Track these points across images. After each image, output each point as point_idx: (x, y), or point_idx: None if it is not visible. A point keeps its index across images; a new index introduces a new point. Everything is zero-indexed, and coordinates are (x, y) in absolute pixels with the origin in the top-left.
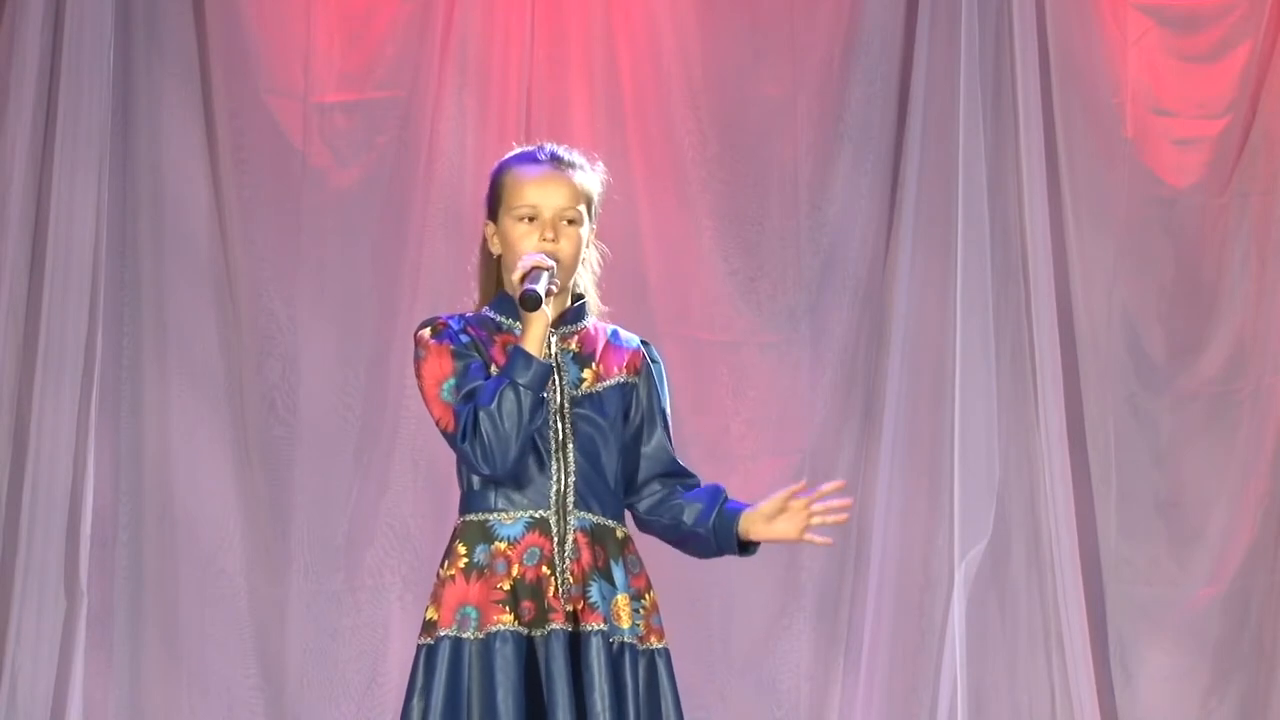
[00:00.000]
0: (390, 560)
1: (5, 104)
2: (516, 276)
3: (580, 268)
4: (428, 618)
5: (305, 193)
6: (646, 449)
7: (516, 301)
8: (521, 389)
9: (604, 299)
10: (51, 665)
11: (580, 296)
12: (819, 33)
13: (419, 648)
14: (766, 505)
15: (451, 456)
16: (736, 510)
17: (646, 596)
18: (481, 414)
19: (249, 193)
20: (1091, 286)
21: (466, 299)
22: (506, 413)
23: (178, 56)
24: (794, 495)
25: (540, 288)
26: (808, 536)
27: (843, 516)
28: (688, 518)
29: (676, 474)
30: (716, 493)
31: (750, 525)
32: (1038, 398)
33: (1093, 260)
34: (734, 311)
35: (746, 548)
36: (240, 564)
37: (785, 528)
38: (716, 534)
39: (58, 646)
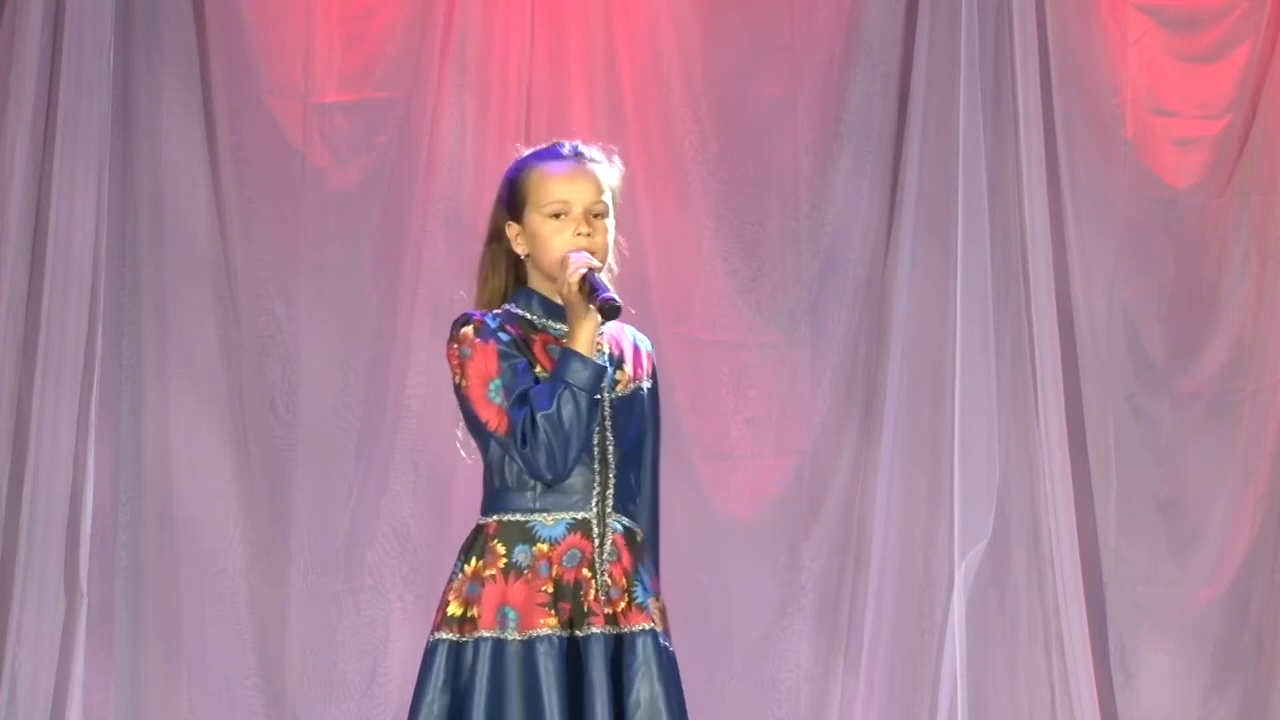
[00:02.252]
0: (390, 560)
1: (5, 104)
2: (574, 279)
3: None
4: (453, 613)
5: (305, 193)
6: (647, 459)
7: (588, 307)
8: (578, 391)
9: None
10: (51, 665)
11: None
12: (819, 33)
13: (438, 642)
14: None
15: (452, 455)
16: None
17: (660, 599)
18: (540, 419)
19: (249, 193)
20: (1091, 286)
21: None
22: (566, 417)
23: (178, 56)
24: None
25: (613, 291)
26: None
27: None
28: None
29: (646, 492)
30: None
31: None
32: (1038, 398)
33: (1093, 260)
34: (734, 311)
35: None
36: (240, 564)
37: None
38: None
39: (57, 646)
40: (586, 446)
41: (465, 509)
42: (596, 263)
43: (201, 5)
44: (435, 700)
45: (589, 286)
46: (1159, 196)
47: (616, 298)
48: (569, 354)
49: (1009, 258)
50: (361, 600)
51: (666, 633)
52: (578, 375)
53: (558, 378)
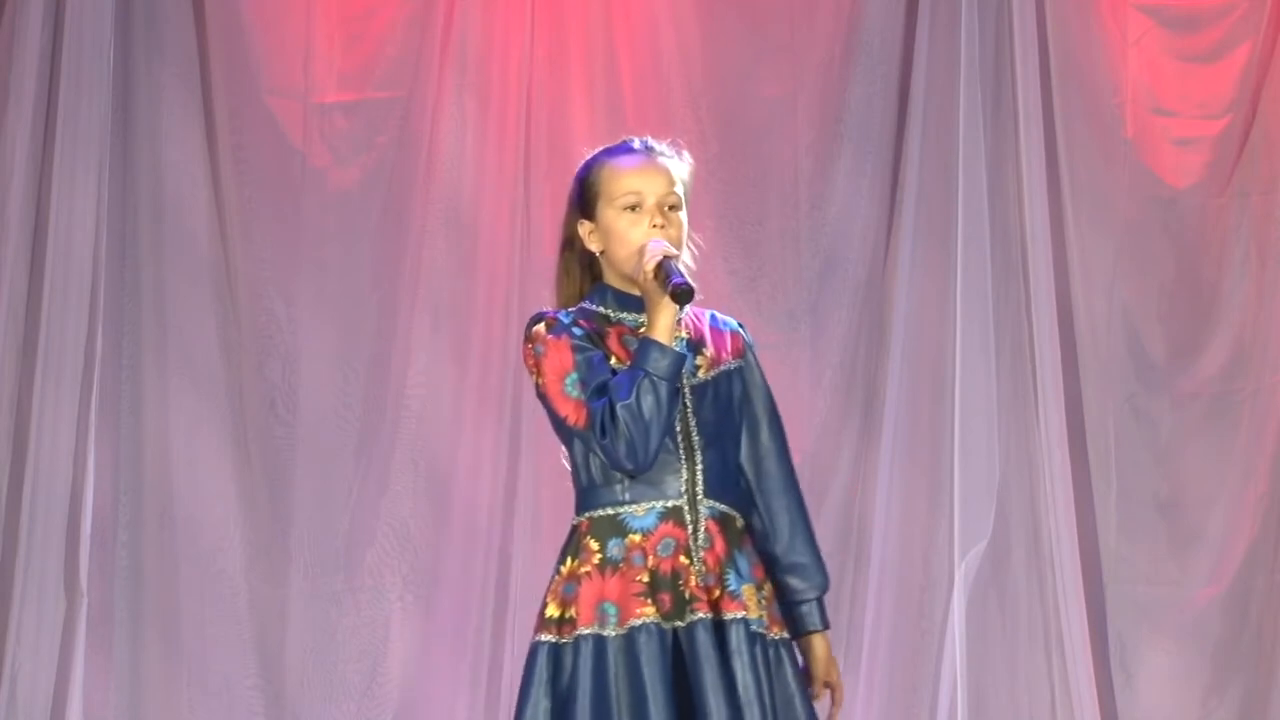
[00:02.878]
0: (390, 560)
1: (5, 104)
2: (650, 267)
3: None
4: (552, 615)
5: (305, 193)
6: (764, 440)
7: (665, 294)
8: (657, 380)
9: None
10: (51, 665)
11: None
12: (819, 33)
13: (539, 644)
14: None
15: (451, 455)
16: (807, 616)
17: (765, 586)
18: (620, 408)
19: (249, 193)
20: (1091, 286)
21: (465, 297)
22: (646, 406)
23: (178, 56)
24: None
25: (687, 277)
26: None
27: None
28: (779, 552)
29: (786, 468)
30: (808, 573)
31: (808, 650)
32: (1038, 398)
33: (1093, 260)
34: (734, 312)
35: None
36: (240, 564)
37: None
38: (785, 604)
39: (57, 646)
40: (668, 434)
41: (465, 509)
42: (673, 250)
43: (201, 5)
44: (539, 703)
45: (664, 273)
46: (1159, 196)
47: (690, 282)
48: (648, 342)
49: (1009, 258)
50: (361, 600)
51: (770, 619)
52: (656, 363)
53: (637, 366)
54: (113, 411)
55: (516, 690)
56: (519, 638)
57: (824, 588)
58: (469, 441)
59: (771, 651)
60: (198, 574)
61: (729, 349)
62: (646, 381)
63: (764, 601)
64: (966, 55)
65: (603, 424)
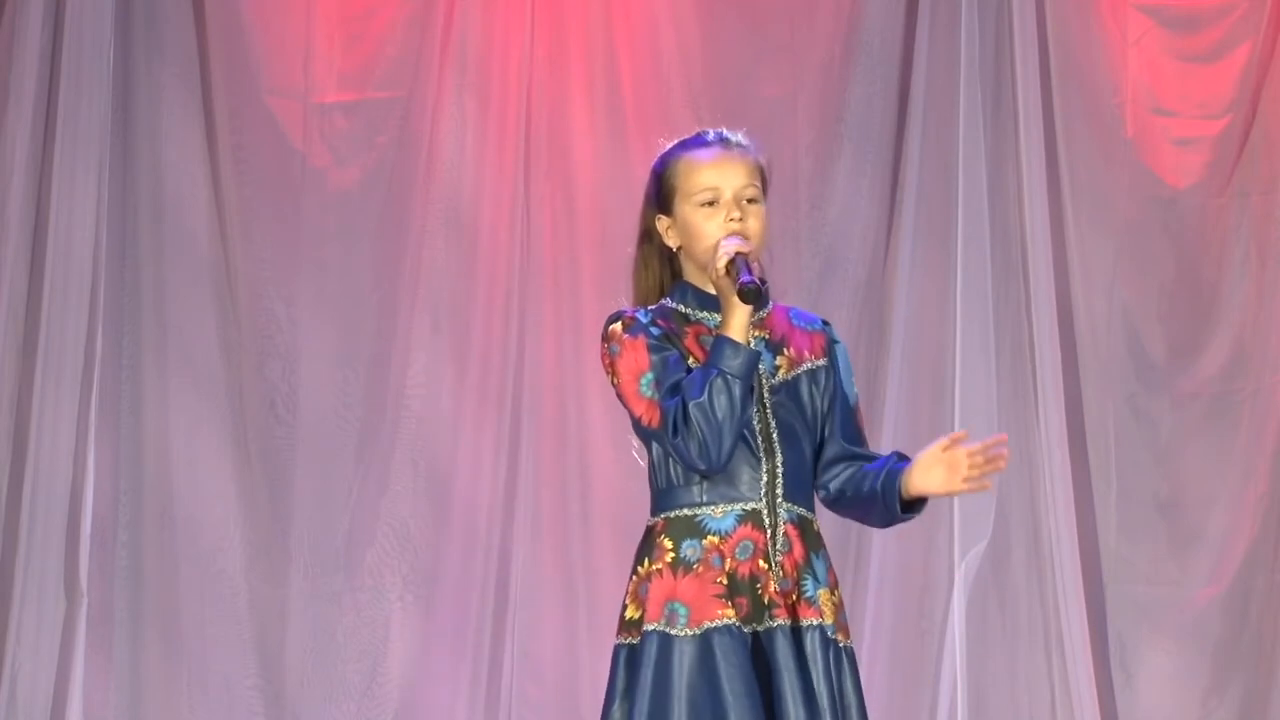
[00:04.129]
0: (390, 560)
1: (5, 104)
2: (721, 264)
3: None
4: (627, 617)
5: (305, 193)
6: (833, 430)
7: (735, 292)
8: (730, 378)
9: (603, 296)
10: (51, 665)
11: (764, 280)
12: (819, 33)
13: (617, 648)
14: (924, 455)
15: (452, 455)
16: (900, 469)
17: (836, 592)
18: (692, 407)
19: (249, 193)
20: (1092, 286)
21: (465, 297)
22: (719, 404)
23: (178, 56)
24: (954, 443)
25: (756, 275)
26: (964, 485)
27: (1002, 464)
28: (865, 485)
29: (862, 455)
30: (890, 457)
31: (909, 479)
32: (1038, 398)
33: (1093, 260)
34: None
35: (912, 506)
36: (240, 564)
37: (942, 478)
38: (884, 495)
39: (57, 646)
40: (743, 435)
41: (465, 509)
42: (747, 246)
43: (201, 5)
44: (618, 707)
45: (735, 271)
46: (1159, 196)
47: (758, 280)
48: (721, 340)
49: (1009, 257)
50: (361, 600)
51: (839, 626)
52: (730, 362)
53: (710, 365)
54: (113, 411)
55: (515, 691)
56: (519, 638)
57: (892, 457)
58: (469, 442)
59: (835, 658)
60: (198, 574)
61: (811, 348)
62: (720, 380)
63: (836, 607)
64: (966, 55)
65: (675, 423)
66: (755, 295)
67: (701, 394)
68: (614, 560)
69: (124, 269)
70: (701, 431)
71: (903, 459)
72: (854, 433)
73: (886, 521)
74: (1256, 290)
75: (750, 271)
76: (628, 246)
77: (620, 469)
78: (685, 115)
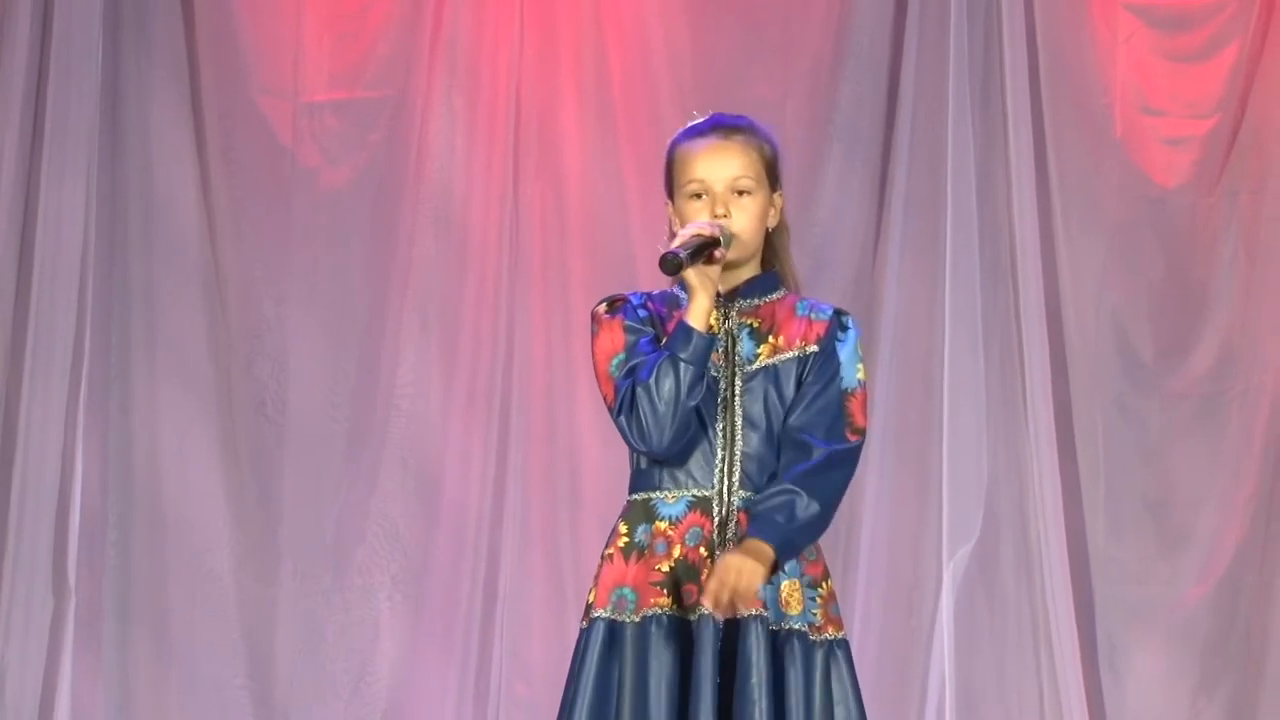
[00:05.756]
0: (379, 559)
1: None
2: (674, 243)
3: (772, 236)
4: (588, 600)
5: (295, 192)
6: (794, 411)
7: (709, 276)
8: (682, 363)
9: (593, 295)
10: (39, 664)
11: (772, 267)
12: (809, 33)
13: (581, 630)
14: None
15: (441, 454)
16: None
17: (824, 585)
18: (639, 389)
19: (239, 192)
20: (1080, 286)
21: (455, 296)
22: (664, 388)
23: (167, 55)
24: None
25: (685, 253)
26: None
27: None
28: (761, 504)
29: (798, 447)
30: (775, 504)
31: None
32: (1026, 397)
33: (1082, 260)
34: None
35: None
36: (229, 563)
37: None
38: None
39: (45, 645)
40: (702, 421)
41: (454, 508)
42: (712, 231)
43: (191, 4)
44: (568, 690)
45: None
46: (1148, 196)
47: (680, 255)
48: (678, 326)
49: (998, 257)
50: (351, 600)
51: (826, 619)
52: (682, 347)
53: (665, 348)
54: (101, 410)
55: (503, 690)
56: (507, 637)
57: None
58: (458, 441)
59: (821, 652)
60: (186, 573)
61: (805, 335)
62: (668, 363)
63: (818, 599)
64: (955, 55)
65: (622, 404)
66: (670, 266)
67: (649, 376)
68: None
69: (113, 268)
70: (644, 414)
71: (765, 509)
72: (818, 422)
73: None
74: (1245, 290)
75: (686, 249)
76: (617, 245)
77: (609, 468)
78: (675, 115)
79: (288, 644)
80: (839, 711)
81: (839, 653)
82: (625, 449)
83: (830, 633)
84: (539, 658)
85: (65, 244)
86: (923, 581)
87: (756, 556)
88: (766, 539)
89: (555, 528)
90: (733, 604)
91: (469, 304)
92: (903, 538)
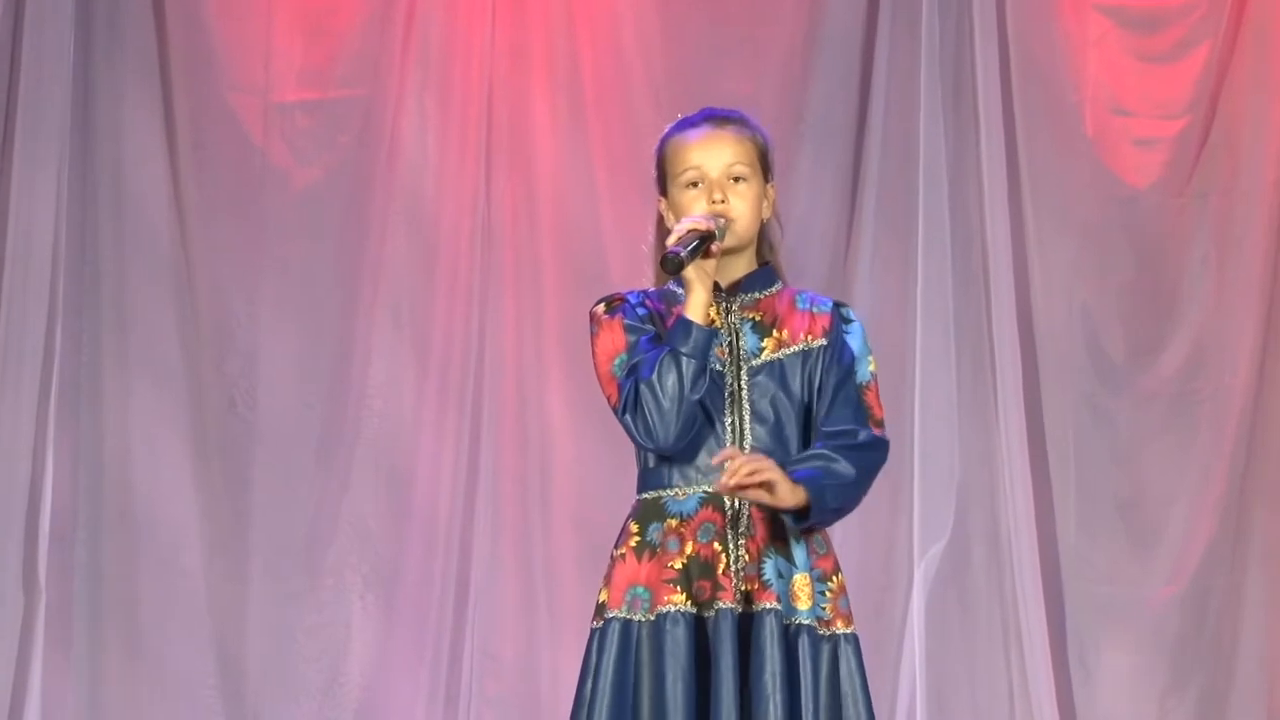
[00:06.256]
0: (351, 559)
1: None
2: (671, 240)
3: (765, 229)
4: (599, 600)
5: (266, 191)
6: (822, 411)
7: (705, 270)
8: (683, 358)
9: (565, 292)
10: (9, 662)
11: (766, 262)
12: (780, 29)
13: (590, 631)
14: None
15: (413, 454)
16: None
17: (834, 579)
18: (642, 386)
19: (209, 191)
20: (1051, 286)
21: (426, 295)
22: (667, 383)
23: (138, 54)
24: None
25: (686, 251)
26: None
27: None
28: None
29: (836, 434)
30: (810, 457)
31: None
32: (997, 397)
33: (1053, 260)
34: None
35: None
36: (200, 562)
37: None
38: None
39: (16, 643)
40: (710, 416)
41: (426, 508)
42: (707, 225)
43: (162, 3)
44: (586, 687)
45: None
46: (1119, 196)
47: (681, 253)
48: (678, 320)
49: (969, 257)
50: (322, 599)
51: (835, 613)
52: (683, 341)
53: (665, 344)
54: (72, 409)
55: (475, 689)
56: (479, 636)
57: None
58: (430, 440)
59: (828, 647)
60: (157, 572)
61: (809, 329)
62: (669, 358)
63: (828, 594)
64: (927, 54)
65: (626, 402)
66: (672, 264)
67: (651, 373)
68: (574, 558)
69: (84, 266)
70: (648, 410)
71: (803, 464)
72: (847, 414)
73: (794, 524)
74: (1216, 290)
75: (685, 246)
76: (589, 243)
77: (581, 466)
78: (647, 113)
79: (259, 644)
80: (848, 706)
81: (848, 648)
82: (594, 449)
83: (840, 627)
84: (510, 657)
85: (36, 242)
86: (894, 581)
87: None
88: (799, 478)
89: (527, 527)
90: (740, 486)
91: (441, 303)
92: (874, 537)
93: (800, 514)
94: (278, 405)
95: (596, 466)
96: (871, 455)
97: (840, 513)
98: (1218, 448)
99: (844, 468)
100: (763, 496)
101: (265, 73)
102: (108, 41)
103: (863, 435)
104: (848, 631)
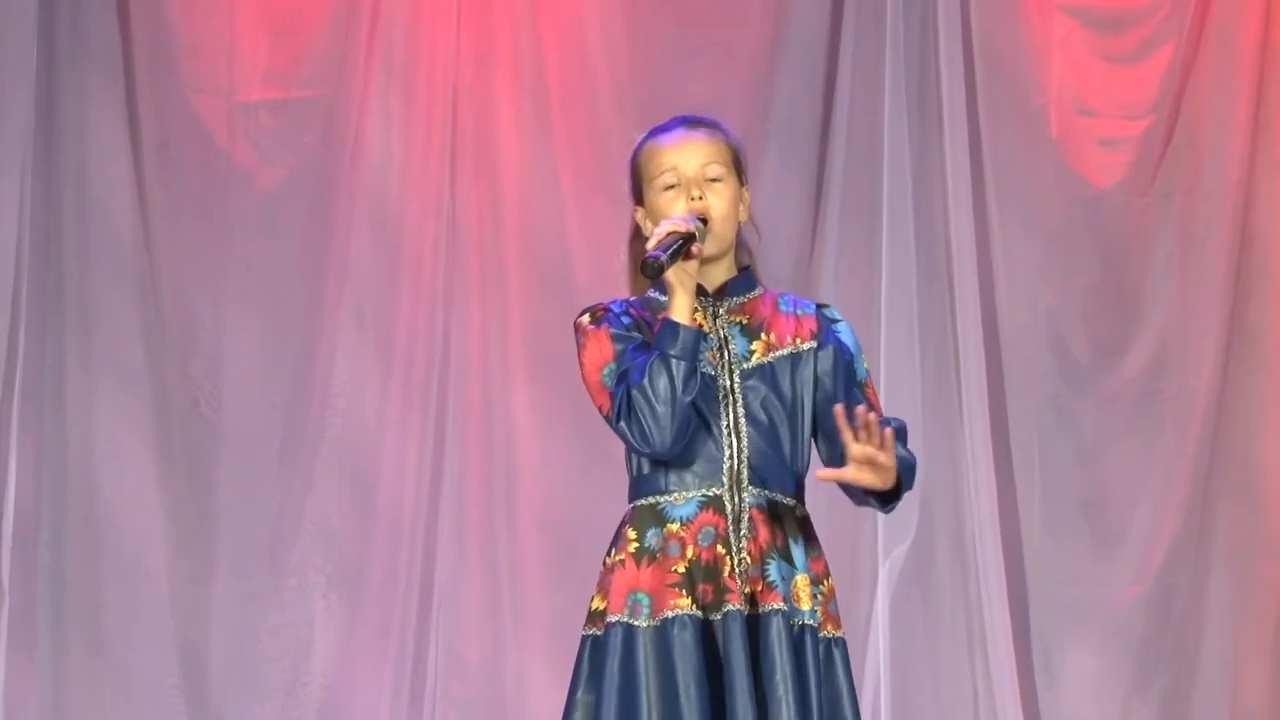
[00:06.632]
0: (314, 559)
1: None
2: (650, 244)
3: (741, 233)
4: (593, 608)
5: (230, 192)
6: (827, 423)
7: (688, 273)
8: (673, 360)
9: (530, 295)
10: None
11: (747, 266)
12: (745, 32)
13: (583, 639)
14: (847, 468)
15: (377, 454)
16: None
17: (825, 582)
18: (634, 392)
19: (173, 191)
20: (1016, 287)
21: (390, 296)
22: (659, 386)
23: (102, 54)
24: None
25: (666, 254)
26: (884, 459)
27: (874, 428)
28: (850, 489)
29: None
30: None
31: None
32: (962, 398)
33: (1017, 260)
34: None
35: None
36: (163, 562)
37: (872, 473)
38: (851, 494)
39: None
40: (705, 420)
41: (390, 508)
42: (686, 226)
43: (126, 3)
44: (582, 694)
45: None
46: (1083, 196)
47: (662, 257)
48: (664, 324)
49: (934, 257)
50: (286, 599)
51: (825, 616)
52: (670, 344)
53: (654, 349)
54: (35, 410)
55: (439, 690)
56: (443, 637)
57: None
58: (394, 440)
59: (823, 648)
60: (121, 574)
61: (797, 332)
62: (659, 362)
63: (820, 596)
64: (892, 55)
65: (619, 408)
66: (653, 269)
67: (642, 377)
68: (539, 559)
69: (47, 268)
70: (643, 415)
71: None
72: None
73: (881, 508)
74: (1180, 291)
75: (664, 250)
76: (554, 245)
77: (547, 468)
78: (612, 114)
79: (222, 645)
80: (846, 707)
81: (836, 651)
82: (560, 451)
83: (830, 630)
84: (475, 658)
85: None
86: (858, 581)
87: None
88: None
89: (491, 528)
90: (870, 460)
91: (405, 304)
92: (838, 537)
93: (886, 496)
94: (242, 406)
95: (562, 468)
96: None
97: (900, 499)
98: (1182, 448)
99: (905, 453)
100: (870, 479)
101: (230, 73)
102: (71, 43)
103: (891, 425)
104: (838, 635)
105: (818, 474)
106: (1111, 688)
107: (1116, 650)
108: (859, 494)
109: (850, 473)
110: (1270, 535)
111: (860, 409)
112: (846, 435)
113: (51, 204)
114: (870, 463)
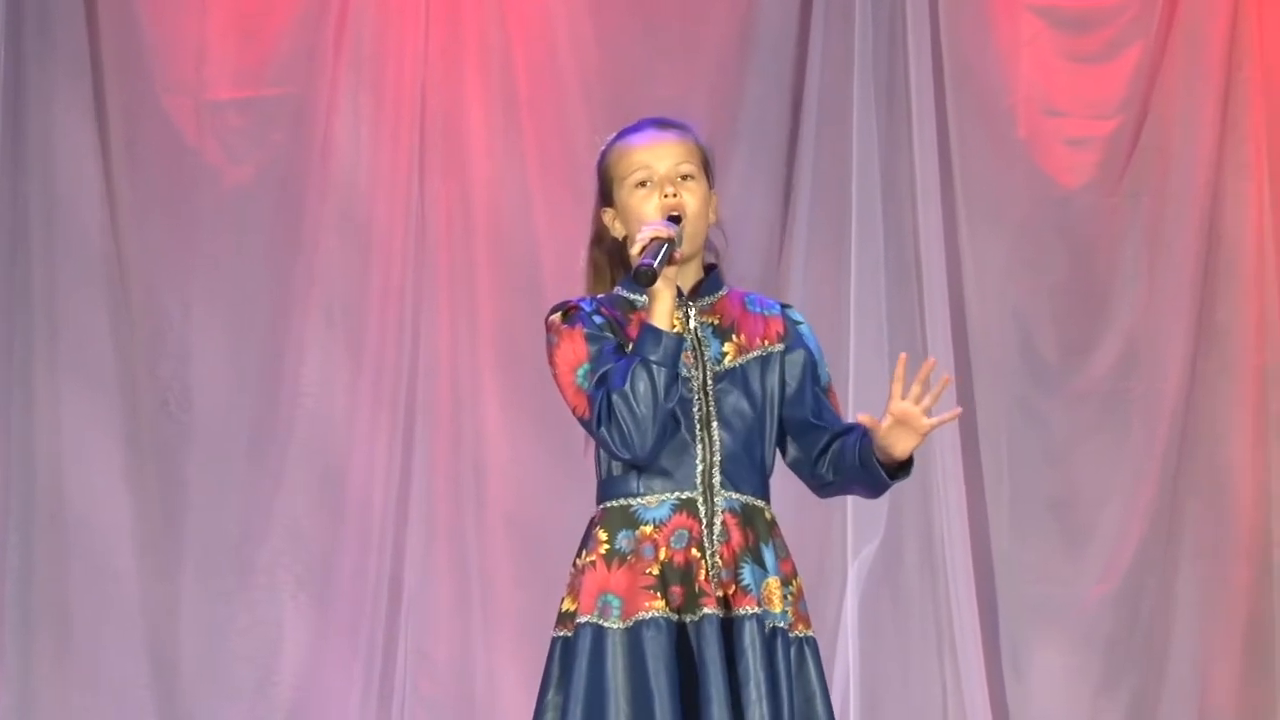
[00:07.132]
0: (283, 559)
1: None
2: (635, 250)
3: (709, 234)
4: (564, 609)
5: (199, 190)
6: (816, 416)
7: (632, 277)
8: (654, 366)
9: (499, 293)
10: None
11: (713, 266)
12: (714, 31)
13: (554, 640)
14: (883, 426)
15: (346, 454)
16: (870, 440)
17: (794, 582)
18: (615, 397)
19: (142, 190)
20: (984, 287)
21: (359, 294)
22: (641, 393)
23: (69, 53)
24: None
25: (657, 261)
26: (931, 425)
27: (956, 410)
28: (844, 461)
29: (843, 430)
30: (856, 428)
31: (887, 449)
32: None
33: (985, 260)
34: None
35: (901, 466)
36: (132, 562)
37: (908, 436)
38: (865, 469)
39: None
40: (679, 422)
41: (360, 508)
42: (668, 231)
43: (94, 2)
44: (553, 695)
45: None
46: (1051, 196)
47: (654, 264)
48: (644, 328)
49: (902, 257)
50: (254, 599)
51: (796, 617)
52: (652, 350)
53: (634, 353)
54: (3, 410)
55: (409, 690)
56: (412, 637)
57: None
58: (363, 440)
59: (794, 649)
60: (89, 574)
61: (765, 333)
62: (641, 367)
63: (790, 597)
64: (860, 55)
65: (599, 413)
66: (648, 277)
67: (624, 383)
68: (509, 559)
69: (14, 267)
70: (624, 420)
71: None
72: (833, 414)
73: (877, 492)
74: (1147, 291)
75: (653, 257)
76: (522, 243)
77: (517, 467)
78: (580, 114)
79: (191, 644)
80: (814, 708)
81: (808, 650)
82: (529, 449)
83: (800, 630)
84: (444, 656)
85: None
86: (826, 581)
87: None
88: None
89: (461, 526)
90: (906, 419)
91: (374, 302)
92: (807, 537)
93: (896, 469)
94: (210, 405)
95: (531, 466)
96: None
97: (897, 481)
98: (1149, 447)
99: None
100: (899, 439)
101: (198, 72)
102: (38, 42)
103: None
104: (808, 634)
105: (859, 416)
106: (1080, 687)
107: (1085, 649)
108: (869, 459)
109: (885, 425)
110: (1238, 535)
111: (930, 360)
112: (897, 387)
113: (19, 204)
114: (905, 423)
